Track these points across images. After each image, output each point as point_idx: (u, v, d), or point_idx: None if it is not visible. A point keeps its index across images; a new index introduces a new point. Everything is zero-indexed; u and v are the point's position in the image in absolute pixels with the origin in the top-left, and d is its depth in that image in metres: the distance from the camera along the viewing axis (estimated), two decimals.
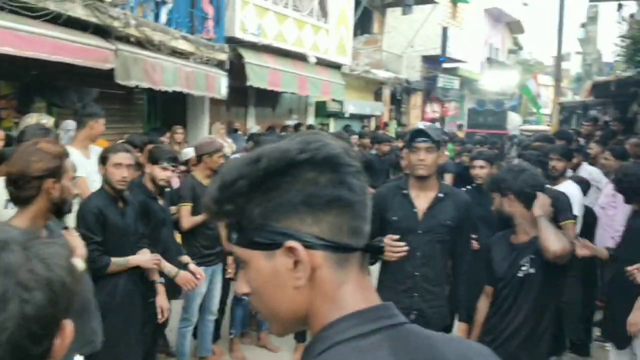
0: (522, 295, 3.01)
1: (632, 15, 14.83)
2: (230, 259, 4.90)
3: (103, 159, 3.54)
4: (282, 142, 0.90)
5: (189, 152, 6.35)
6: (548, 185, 3.69)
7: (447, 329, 3.29)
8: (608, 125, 10.60)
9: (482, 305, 3.28)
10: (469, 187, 4.91)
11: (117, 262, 3.42)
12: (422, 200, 3.24)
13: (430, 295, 3.20)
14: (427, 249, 3.18)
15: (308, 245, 0.86)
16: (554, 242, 2.87)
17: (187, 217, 4.55)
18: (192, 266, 4.19)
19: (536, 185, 3.11)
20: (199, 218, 4.50)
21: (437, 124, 21.26)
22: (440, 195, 3.24)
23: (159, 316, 3.82)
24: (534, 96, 17.49)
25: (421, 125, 9.91)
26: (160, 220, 4.08)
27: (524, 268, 3.01)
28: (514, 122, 16.90)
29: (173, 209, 4.59)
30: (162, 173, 4.04)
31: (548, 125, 15.47)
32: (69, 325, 0.85)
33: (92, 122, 4.76)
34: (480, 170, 4.72)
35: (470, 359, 0.90)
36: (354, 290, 0.89)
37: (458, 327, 3.33)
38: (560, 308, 3.88)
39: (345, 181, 0.88)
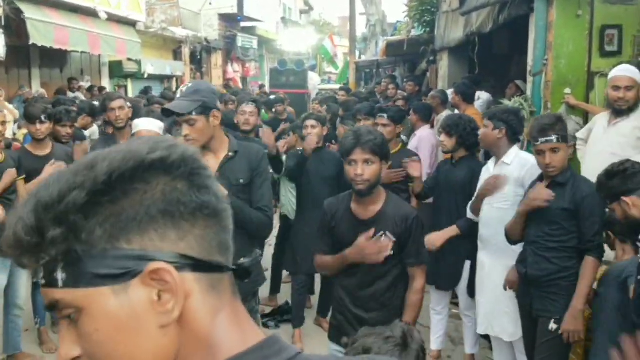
0: None
1: None
2: None
3: None
4: (121, 145, 0.71)
5: None
6: None
7: None
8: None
9: None
10: None
11: None
12: (211, 162, 2.80)
13: None
14: None
15: (176, 267, 0.68)
16: None
17: None
18: None
19: None
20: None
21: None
22: (230, 153, 2.89)
23: None
24: (332, 56, 18.18)
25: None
26: None
27: None
28: (314, 81, 17.44)
29: None
30: None
31: (344, 84, 16.28)
32: None
33: None
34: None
35: None
36: (231, 324, 0.73)
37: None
38: None
39: (208, 185, 0.72)
